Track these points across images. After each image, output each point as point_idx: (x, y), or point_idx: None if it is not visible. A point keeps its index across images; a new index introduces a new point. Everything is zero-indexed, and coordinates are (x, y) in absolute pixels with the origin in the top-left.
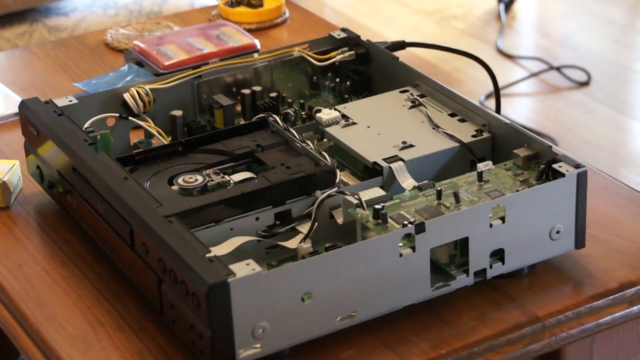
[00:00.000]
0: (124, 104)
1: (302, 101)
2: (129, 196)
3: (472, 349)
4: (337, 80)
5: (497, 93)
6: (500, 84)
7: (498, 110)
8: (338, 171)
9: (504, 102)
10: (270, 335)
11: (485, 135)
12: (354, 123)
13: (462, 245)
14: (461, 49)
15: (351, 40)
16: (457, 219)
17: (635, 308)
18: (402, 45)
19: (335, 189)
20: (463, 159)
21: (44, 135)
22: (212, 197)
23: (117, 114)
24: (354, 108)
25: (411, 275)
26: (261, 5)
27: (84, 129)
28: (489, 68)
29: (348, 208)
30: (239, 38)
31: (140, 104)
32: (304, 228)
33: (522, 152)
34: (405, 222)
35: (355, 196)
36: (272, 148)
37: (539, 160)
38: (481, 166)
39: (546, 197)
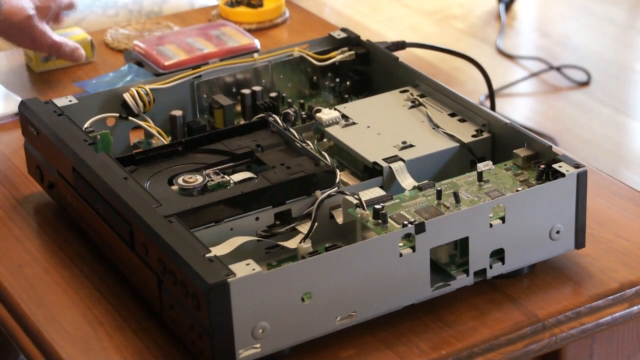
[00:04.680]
0: (124, 104)
1: (302, 101)
2: (129, 196)
3: (472, 349)
4: (337, 80)
5: (491, 96)
6: (500, 83)
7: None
8: (338, 171)
9: (504, 102)
10: (270, 335)
11: (485, 135)
12: (354, 123)
13: (462, 245)
14: (461, 48)
15: (351, 40)
16: (457, 219)
17: (635, 308)
18: (402, 45)
19: (335, 189)
20: (463, 159)
21: (44, 135)
22: (212, 197)
23: (117, 114)
24: (354, 108)
25: (411, 275)
26: (261, 5)
27: (84, 129)
28: (483, 70)
29: (348, 208)
30: (239, 38)
31: (140, 104)
32: (304, 228)
33: (522, 152)
34: (405, 222)
35: (355, 196)
36: (272, 148)
37: (539, 160)
38: (481, 166)
39: (546, 197)
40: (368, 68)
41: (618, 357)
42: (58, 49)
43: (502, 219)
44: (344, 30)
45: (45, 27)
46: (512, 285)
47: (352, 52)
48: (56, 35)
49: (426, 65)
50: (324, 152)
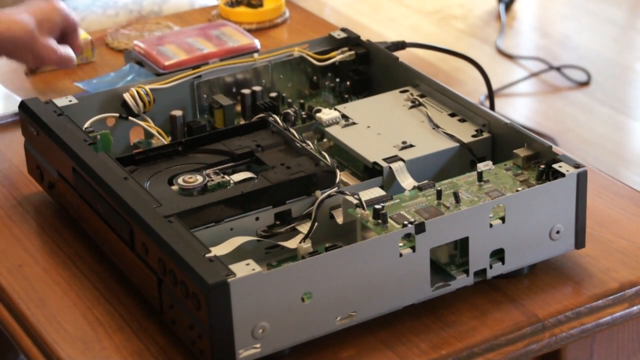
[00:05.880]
0: (124, 104)
1: (302, 101)
2: (129, 196)
3: (472, 349)
4: (337, 80)
5: (491, 96)
6: (500, 83)
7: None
8: (338, 171)
9: (504, 102)
10: (270, 335)
11: (485, 135)
12: (354, 123)
13: (462, 245)
14: (461, 48)
15: (351, 40)
16: (457, 219)
17: (635, 308)
18: (402, 45)
19: (335, 189)
20: (463, 159)
21: (44, 135)
22: (212, 197)
23: (117, 114)
24: (354, 108)
25: (411, 275)
26: (261, 5)
27: (84, 129)
28: (483, 70)
29: (348, 208)
30: (239, 38)
31: (140, 104)
32: (304, 228)
33: (522, 152)
34: (405, 222)
35: (355, 196)
36: (272, 148)
37: (539, 160)
38: (481, 166)
39: (546, 197)
40: (368, 68)
41: (618, 357)
42: (64, 64)
43: (502, 219)
44: (344, 30)
45: (49, 42)
46: (512, 285)
47: (352, 52)
48: (62, 50)
49: (426, 65)
50: (324, 152)
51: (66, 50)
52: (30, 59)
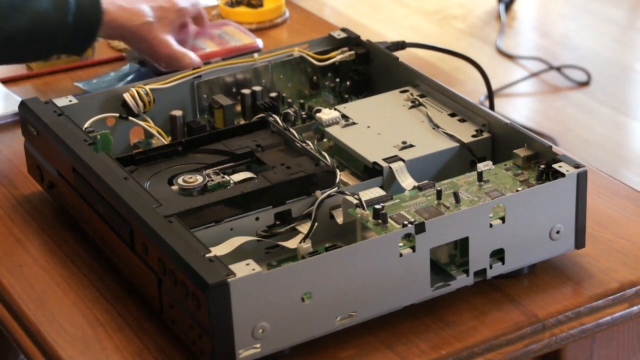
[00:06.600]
0: (124, 104)
1: (302, 101)
2: (129, 196)
3: (472, 349)
4: (337, 80)
5: (490, 96)
6: (500, 83)
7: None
8: (338, 171)
9: (504, 102)
10: (270, 335)
11: (485, 135)
12: (354, 123)
13: (462, 245)
14: (461, 48)
15: (351, 40)
16: (457, 219)
17: (635, 308)
18: (402, 45)
19: (335, 189)
20: (463, 159)
21: (44, 135)
22: (212, 197)
23: (117, 114)
24: (354, 108)
25: (411, 275)
26: (261, 5)
27: (84, 129)
28: (482, 70)
29: (348, 208)
30: (241, 37)
31: (140, 104)
32: (304, 228)
33: (522, 152)
34: (405, 222)
35: (355, 196)
36: (272, 148)
37: (539, 160)
38: (481, 166)
39: (546, 197)
40: (368, 68)
41: (618, 357)
42: (177, 60)
43: (502, 219)
44: (344, 30)
45: (166, 38)
46: (512, 285)
47: (352, 52)
48: (177, 47)
49: (426, 65)
50: (324, 152)
51: (182, 50)
52: (145, 50)
